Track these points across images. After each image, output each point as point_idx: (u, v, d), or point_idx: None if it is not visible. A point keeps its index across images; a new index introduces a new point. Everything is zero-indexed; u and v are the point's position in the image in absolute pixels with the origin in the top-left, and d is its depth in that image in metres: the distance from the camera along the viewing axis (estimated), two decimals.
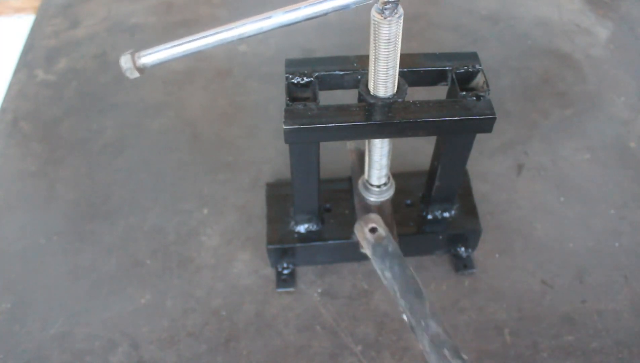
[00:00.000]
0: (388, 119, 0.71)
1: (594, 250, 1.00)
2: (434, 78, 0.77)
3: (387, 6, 0.61)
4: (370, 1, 0.60)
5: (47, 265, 0.99)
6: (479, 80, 0.76)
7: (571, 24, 1.40)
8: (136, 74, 0.60)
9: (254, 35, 0.59)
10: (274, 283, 0.96)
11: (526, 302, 0.94)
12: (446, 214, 0.95)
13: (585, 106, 1.22)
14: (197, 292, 0.96)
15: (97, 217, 1.05)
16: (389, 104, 0.71)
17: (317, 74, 0.75)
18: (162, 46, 0.60)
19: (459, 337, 0.90)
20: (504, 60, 1.31)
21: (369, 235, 0.78)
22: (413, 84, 0.76)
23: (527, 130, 1.17)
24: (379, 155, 0.79)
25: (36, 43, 1.38)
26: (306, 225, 0.94)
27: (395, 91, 0.72)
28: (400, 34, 0.64)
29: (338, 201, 0.97)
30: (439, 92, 0.79)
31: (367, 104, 0.72)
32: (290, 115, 0.71)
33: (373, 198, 0.86)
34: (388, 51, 0.65)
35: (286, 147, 0.76)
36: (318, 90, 0.75)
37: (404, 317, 0.73)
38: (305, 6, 0.58)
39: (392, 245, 0.78)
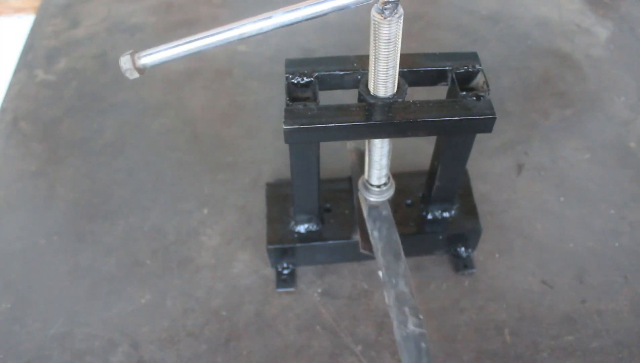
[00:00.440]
0: (388, 119, 0.71)
1: (594, 250, 1.00)
2: (434, 78, 0.77)
3: (387, 6, 0.61)
4: (370, 1, 0.60)
5: (47, 265, 0.99)
6: (479, 80, 0.76)
7: (571, 24, 1.40)
8: (136, 75, 0.60)
9: (254, 35, 0.59)
10: (274, 283, 0.96)
11: (526, 302, 0.94)
12: (446, 214, 0.95)
13: (585, 106, 1.22)
14: (197, 292, 0.96)
15: (97, 217, 1.05)
16: (389, 104, 0.71)
17: (317, 74, 0.75)
18: (161, 47, 0.60)
19: (459, 337, 0.90)
20: (504, 60, 1.31)
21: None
22: (413, 84, 0.76)
23: (527, 130, 1.17)
24: (379, 155, 0.80)
25: (36, 43, 1.38)
26: (306, 225, 0.94)
27: (395, 91, 0.72)
28: (400, 34, 0.64)
29: (338, 201, 0.97)
30: (439, 92, 0.79)
31: (367, 104, 0.72)
32: (290, 115, 0.71)
33: (373, 198, 0.86)
34: (388, 51, 0.65)
35: (286, 147, 0.76)
36: (318, 90, 0.75)
37: (380, 273, 0.80)
38: (305, 6, 0.58)
39: (386, 211, 0.83)
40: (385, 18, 0.61)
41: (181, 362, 0.89)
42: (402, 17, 0.62)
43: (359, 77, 0.75)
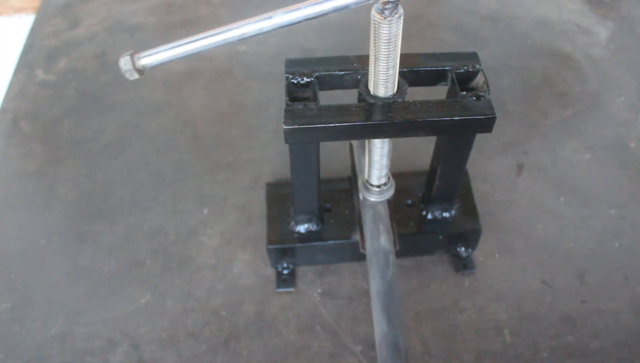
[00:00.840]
0: (388, 118, 0.71)
1: (594, 250, 1.00)
2: (434, 78, 0.77)
3: (387, 6, 0.61)
4: (370, 1, 0.60)
5: (47, 265, 0.99)
6: (479, 80, 0.75)
7: (571, 24, 1.40)
8: (136, 76, 0.60)
9: (255, 35, 0.59)
10: (274, 283, 0.96)
11: (526, 302, 0.94)
12: (446, 214, 0.95)
13: (585, 106, 1.22)
14: (197, 292, 0.96)
15: (97, 217, 1.05)
16: (389, 104, 0.71)
17: (317, 74, 0.75)
18: (161, 47, 0.60)
19: (459, 337, 0.90)
20: (504, 60, 1.31)
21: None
22: (413, 84, 0.76)
23: (527, 130, 1.17)
24: (379, 155, 0.80)
25: (36, 43, 1.38)
26: (306, 225, 0.94)
27: (395, 91, 0.72)
28: (400, 34, 0.64)
29: (338, 201, 0.97)
30: (439, 92, 0.79)
31: (367, 104, 0.72)
32: (290, 115, 0.71)
33: (373, 198, 0.86)
34: (388, 51, 0.65)
35: (286, 147, 0.76)
36: (318, 90, 0.75)
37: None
38: (305, 6, 0.58)
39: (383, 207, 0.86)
40: (385, 18, 0.61)
41: (181, 362, 0.89)
42: (402, 17, 0.62)
43: (359, 77, 0.75)
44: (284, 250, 0.93)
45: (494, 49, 1.34)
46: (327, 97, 0.76)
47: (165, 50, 0.60)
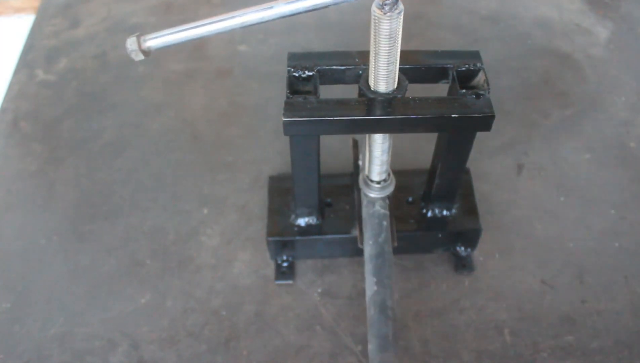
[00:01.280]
0: (387, 114, 0.71)
1: (594, 250, 1.00)
2: (436, 75, 0.77)
3: (387, 2, 0.61)
4: None
5: (47, 265, 0.99)
6: (479, 78, 0.76)
7: (571, 24, 1.40)
8: (141, 56, 0.61)
9: (256, 24, 0.60)
10: (274, 283, 0.96)
11: (526, 302, 0.94)
12: (446, 213, 0.95)
13: (585, 106, 1.22)
14: (197, 292, 0.96)
15: (97, 217, 1.05)
16: (388, 100, 0.72)
17: (318, 68, 0.75)
18: (167, 31, 0.61)
19: (459, 337, 0.90)
20: (504, 60, 1.31)
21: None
22: (414, 81, 0.76)
23: (527, 130, 1.17)
24: (380, 151, 0.80)
25: (36, 43, 1.38)
26: (306, 219, 0.94)
27: (395, 87, 0.72)
28: (401, 30, 0.65)
29: (339, 196, 0.97)
30: (440, 89, 0.79)
31: (367, 98, 0.72)
32: (290, 107, 0.72)
33: (373, 194, 0.86)
34: (388, 47, 0.65)
35: (286, 147, 0.76)
36: (319, 84, 0.75)
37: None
38: None
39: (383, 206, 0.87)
40: (385, 14, 0.62)
41: (181, 362, 0.89)
42: (402, 13, 0.63)
43: (360, 72, 0.76)
44: (284, 242, 0.94)
45: (494, 49, 1.34)
46: (328, 94, 0.77)
47: (171, 33, 0.61)
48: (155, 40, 0.61)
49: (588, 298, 0.95)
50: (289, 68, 0.75)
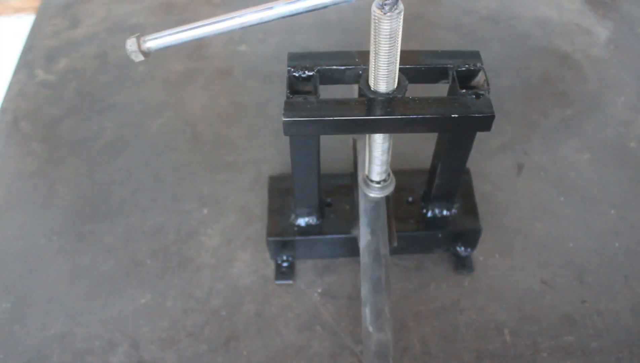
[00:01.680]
0: (387, 114, 0.71)
1: (594, 250, 1.00)
2: (436, 75, 0.77)
3: (387, 1, 0.61)
4: None
5: (47, 265, 0.99)
6: (479, 78, 0.76)
7: (571, 24, 1.40)
8: (141, 57, 0.61)
9: (256, 24, 0.60)
10: (274, 283, 0.96)
11: (526, 302, 0.94)
12: (446, 212, 0.95)
13: (585, 106, 1.22)
14: (197, 292, 0.96)
15: (97, 217, 1.05)
16: (388, 100, 0.72)
17: (318, 67, 0.75)
18: (166, 32, 0.61)
19: (459, 337, 0.90)
20: (504, 60, 1.31)
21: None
22: (414, 81, 0.76)
23: (527, 130, 1.17)
24: (380, 151, 0.80)
25: (36, 43, 1.38)
26: (306, 219, 0.94)
27: (395, 87, 0.72)
28: (401, 30, 0.65)
29: (339, 196, 0.97)
30: (440, 89, 0.79)
31: (367, 98, 0.72)
32: (290, 107, 0.72)
33: (373, 194, 0.86)
34: (388, 47, 0.65)
35: (286, 147, 0.76)
36: (319, 84, 0.75)
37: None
38: None
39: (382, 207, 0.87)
40: (385, 14, 0.62)
41: (181, 362, 0.89)
42: (402, 13, 0.63)
43: (360, 72, 0.76)
44: (284, 242, 0.94)
45: (494, 49, 1.34)
46: (328, 94, 0.77)
47: (171, 34, 0.61)
48: (155, 41, 0.61)
49: (588, 298, 0.95)
50: (289, 68, 0.75)
